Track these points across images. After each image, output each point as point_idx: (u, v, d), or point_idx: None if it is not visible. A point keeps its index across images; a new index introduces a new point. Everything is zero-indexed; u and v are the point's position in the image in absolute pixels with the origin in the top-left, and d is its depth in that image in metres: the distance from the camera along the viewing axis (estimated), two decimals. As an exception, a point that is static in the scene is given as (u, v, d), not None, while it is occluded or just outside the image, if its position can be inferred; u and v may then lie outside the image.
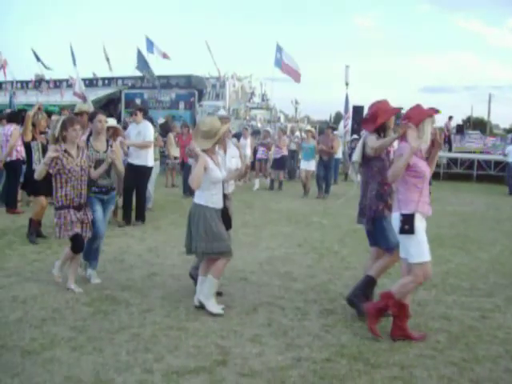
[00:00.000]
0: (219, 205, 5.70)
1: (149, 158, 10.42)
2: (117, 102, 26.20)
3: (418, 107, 5.11)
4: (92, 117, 6.64)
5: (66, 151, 5.95)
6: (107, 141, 6.68)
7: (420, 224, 4.95)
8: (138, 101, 24.87)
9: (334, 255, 8.29)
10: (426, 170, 5.01)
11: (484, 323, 5.54)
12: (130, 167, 10.14)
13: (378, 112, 5.59)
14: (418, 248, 4.93)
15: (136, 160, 10.24)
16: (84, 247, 6.26)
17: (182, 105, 23.99)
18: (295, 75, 22.95)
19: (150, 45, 26.33)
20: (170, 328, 5.11)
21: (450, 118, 26.08)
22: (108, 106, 25.77)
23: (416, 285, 5.09)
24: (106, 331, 4.99)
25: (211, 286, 5.60)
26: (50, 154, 5.87)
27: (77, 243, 6.10)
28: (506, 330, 5.35)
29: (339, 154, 20.73)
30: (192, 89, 24.33)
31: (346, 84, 22.37)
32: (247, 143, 18.82)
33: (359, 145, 5.73)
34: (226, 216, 5.85)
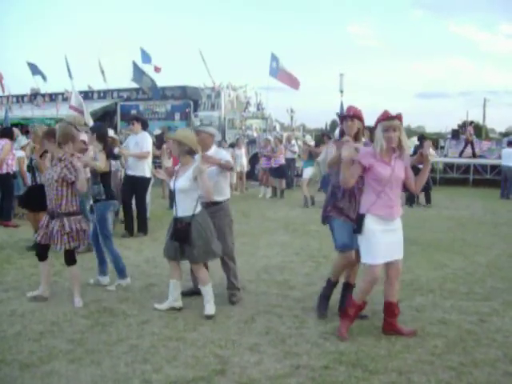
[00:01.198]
0: (174, 213, 5.98)
1: (146, 169, 10.42)
2: (113, 114, 26.22)
3: (381, 114, 5.19)
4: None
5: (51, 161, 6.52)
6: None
7: (375, 226, 5.06)
8: (133, 112, 24.91)
9: (332, 263, 8.27)
10: (385, 174, 5.05)
11: (482, 327, 5.54)
12: (127, 178, 10.33)
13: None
14: (366, 249, 5.13)
15: (134, 171, 10.28)
16: (42, 256, 6.34)
17: (177, 116, 24.02)
18: (294, 83, 22.98)
19: (145, 56, 26.41)
20: (168, 339, 5.12)
21: (471, 123, 26.08)
22: (104, 118, 25.78)
23: (365, 284, 5.26)
24: (104, 343, 5.00)
25: (208, 293, 5.96)
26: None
27: (38, 250, 6.38)
28: (505, 334, 5.36)
29: None
30: (187, 99, 24.36)
31: (341, 92, 22.42)
32: (242, 153, 18.89)
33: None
34: (176, 228, 5.91)
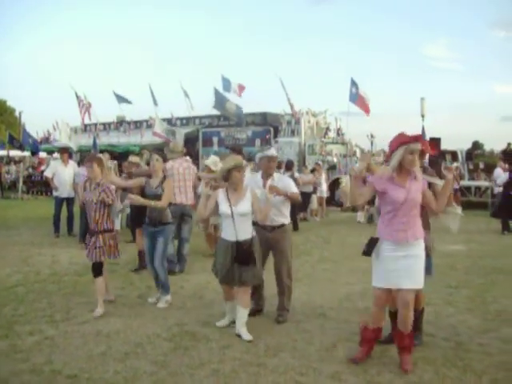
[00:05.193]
0: (231, 237, 5.95)
1: None
2: (195, 140, 26.80)
3: (400, 135, 5.05)
4: (150, 158, 7.40)
5: (89, 184, 6.99)
6: (164, 177, 7.33)
7: (384, 251, 5.10)
8: (215, 139, 25.38)
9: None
10: (399, 198, 4.93)
11: None
12: None
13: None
14: (374, 272, 5.22)
15: None
16: (99, 273, 6.83)
17: (258, 142, 24.28)
18: (365, 107, 22.96)
19: (227, 83, 26.95)
20: (249, 364, 5.13)
21: None
22: (186, 144, 26.39)
23: (372, 307, 5.34)
24: (187, 366, 5.06)
25: (243, 316, 6.01)
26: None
27: (94, 267, 6.87)
28: None
29: None
30: (267, 126, 24.61)
31: (422, 116, 22.07)
32: (322, 178, 18.85)
33: None
34: (241, 250, 5.91)
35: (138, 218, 8.78)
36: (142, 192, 7.35)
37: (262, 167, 6.63)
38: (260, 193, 6.26)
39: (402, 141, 4.96)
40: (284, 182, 6.61)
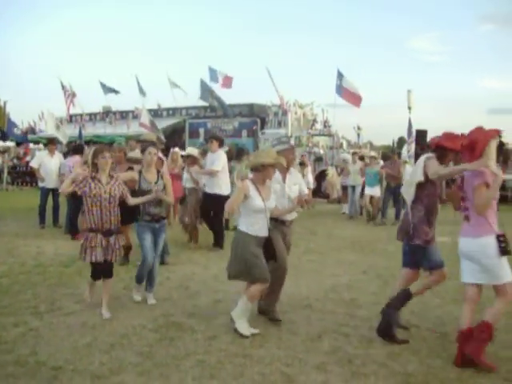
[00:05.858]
0: (261, 233, 5.77)
1: (222, 186, 10.59)
2: (181, 131, 26.71)
3: (480, 130, 5.00)
4: (143, 150, 6.92)
5: (95, 177, 6.16)
6: (158, 172, 6.91)
7: None
8: (201, 130, 25.32)
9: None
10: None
11: (558, 353, 5.32)
12: (205, 196, 10.74)
13: (449, 137, 5.49)
14: (506, 267, 4.95)
15: (209, 189, 10.58)
16: (100, 275, 6.43)
17: (244, 133, 24.27)
18: (354, 100, 22.92)
19: (214, 74, 26.85)
20: (235, 355, 5.13)
21: None
22: (173, 135, 26.31)
23: (505, 305, 5.05)
24: (172, 357, 5.06)
25: (243, 306, 5.79)
26: (78, 169, 6.30)
27: (95, 270, 6.40)
28: None
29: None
30: (254, 117, 24.57)
31: (409, 108, 22.11)
32: (308, 170, 18.85)
33: (420, 165, 5.60)
34: (269, 246, 5.84)
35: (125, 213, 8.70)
36: (134, 187, 6.90)
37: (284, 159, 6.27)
38: (280, 188, 6.20)
39: (491, 134, 4.89)
40: (297, 178, 6.55)
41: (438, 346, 5.47)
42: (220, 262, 9.36)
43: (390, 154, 17.80)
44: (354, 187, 16.76)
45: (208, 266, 9.06)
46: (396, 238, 6.03)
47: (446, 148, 5.46)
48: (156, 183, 6.75)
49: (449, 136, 5.50)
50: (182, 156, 12.79)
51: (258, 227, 5.75)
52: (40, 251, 10.11)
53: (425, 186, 5.54)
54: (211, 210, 10.68)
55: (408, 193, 5.67)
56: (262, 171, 5.78)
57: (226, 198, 10.75)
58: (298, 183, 6.49)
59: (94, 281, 6.55)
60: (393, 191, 15.44)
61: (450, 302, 7.04)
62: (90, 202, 6.12)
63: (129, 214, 8.30)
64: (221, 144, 11.08)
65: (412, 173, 5.80)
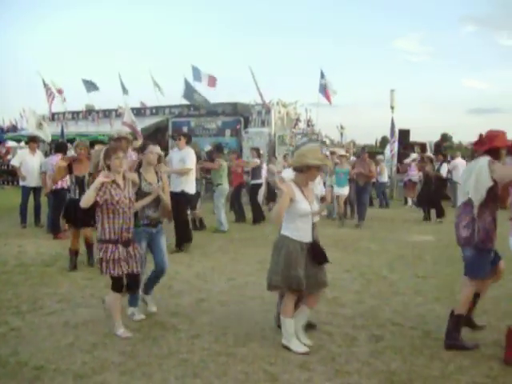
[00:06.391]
0: (306, 238, 5.35)
1: (189, 184, 10.33)
2: (164, 130, 26.60)
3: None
4: (143, 148, 6.39)
5: (113, 181, 5.54)
6: (156, 172, 6.40)
7: None
8: (184, 129, 25.20)
9: (383, 280, 8.20)
10: None
11: (539, 350, 5.37)
12: (171, 195, 10.08)
13: (496, 136, 5.47)
14: None
15: (175, 187, 10.07)
16: (123, 287, 5.75)
17: (228, 132, 24.18)
18: (328, 96, 23.32)
19: (197, 73, 26.78)
20: (218, 354, 5.12)
21: None
22: (156, 134, 26.17)
23: None
24: (155, 356, 5.04)
25: (285, 326, 5.32)
26: (101, 178, 5.42)
27: (119, 283, 5.67)
28: None
29: (385, 178, 20.60)
30: (238, 116, 24.53)
31: (392, 108, 22.28)
32: (290, 169, 18.91)
33: (484, 169, 5.29)
34: (318, 250, 5.42)
35: (75, 215, 8.32)
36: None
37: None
38: (312, 187, 5.90)
39: None
40: (318, 176, 6.39)
41: (420, 343, 5.49)
42: (203, 260, 9.37)
43: (360, 151, 17.86)
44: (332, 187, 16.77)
45: (191, 265, 9.04)
46: (459, 244, 5.56)
47: (498, 148, 5.43)
48: (157, 184, 6.26)
49: (496, 135, 5.47)
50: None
51: (303, 232, 5.34)
52: (21, 250, 10.03)
53: (491, 191, 5.39)
54: (175, 209, 10.01)
55: (477, 199, 5.32)
56: (306, 172, 5.35)
57: (192, 196, 10.63)
58: (315, 184, 6.34)
59: (118, 293, 5.71)
60: (358, 189, 15.02)
61: (432, 300, 7.08)
62: (110, 210, 5.49)
63: (91, 216, 8.23)
64: (189, 141, 10.80)
65: (476, 180, 5.31)
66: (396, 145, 22.29)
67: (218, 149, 14.47)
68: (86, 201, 5.44)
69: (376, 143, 68.60)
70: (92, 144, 11.68)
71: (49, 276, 8.07)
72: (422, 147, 23.30)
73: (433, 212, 15.94)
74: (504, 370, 4.84)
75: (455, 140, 60.41)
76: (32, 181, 13.12)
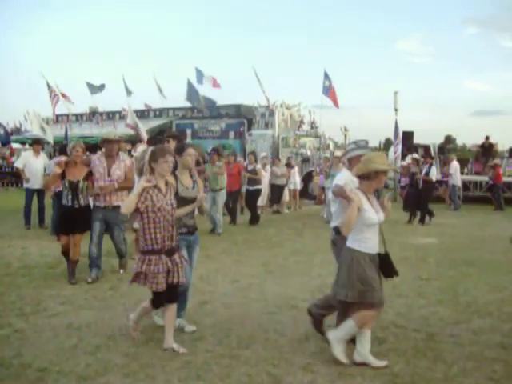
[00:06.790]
0: (374, 250, 5.09)
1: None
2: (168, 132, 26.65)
3: None
4: (181, 149, 5.87)
5: (155, 186, 5.17)
6: (191, 176, 5.98)
7: None
8: (188, 131, 25.23)
9: (385, 283, 8.14)
10: None
11: (543, 353, 5.36)
12: None
13: None
14: None
15: None
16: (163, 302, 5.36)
17: (231, 134, 24.21)
18: (335, 99, 23.23)
19: (200, 76, 26.82)
20: (221, 356, 5.12)
21: None
22: (160, 136, 26.23)
23: None
24: (158, 358, 5.04)
25: (349, 331, 5.05)
26: (143, 183, 5.09)
27: (161, 298, 5.28)
28: None
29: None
30: (241, 118, 24.54)
31: (395, 110, 22.24)
32: (295, 171, 18.93)
33: None
34: (387, 262, 5.17)
35: (66, 222, 8.07)
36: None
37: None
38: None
39: None
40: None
41: (423, 346, 5.48)
42: (207, 262, 9.36)
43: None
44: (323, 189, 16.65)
45: (195, 267, 9.01)
46: None
47: None
48: (193, 188, 5.83)
49: None
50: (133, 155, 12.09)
51: (370, 244, 5.06)
52: (25, 252, 10.05)
53: None
54: None
55: None
56: (373, 179, 5.04)
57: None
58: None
59: (155, 309, 5.54)
60: None
61: (436, 302, 7.07)
62: (151, 218, 5.12)
63: (86, 221, 8.09)
64: (180, 141, 9.89)
65: None
66: (400, 147, 22.25)
67: (216, 151, 13.93)
68: (127, 207, 5.15)
69: (380, 145, 68.48)
70: (95, 147, 11.59)
71: (52, 278, 8.08)
72: (426, 149, 23.25)
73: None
74: (507, 373, 4.83)
75: (459, 142, 60.29)
76: (36, 183, 13.15)
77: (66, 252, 8.09)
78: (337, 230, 5.42)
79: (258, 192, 15.71)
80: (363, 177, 5.07)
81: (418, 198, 15.49)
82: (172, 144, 9.45)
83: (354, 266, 4.94)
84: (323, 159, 18.39)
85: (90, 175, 8.02)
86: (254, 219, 14.91)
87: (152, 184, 5.13)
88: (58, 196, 11.69)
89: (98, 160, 8.12)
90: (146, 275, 5.13)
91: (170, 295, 5.29)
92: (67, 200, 7.97)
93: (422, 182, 15.62)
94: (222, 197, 13.43)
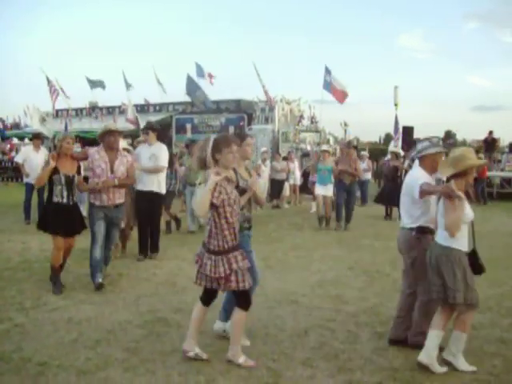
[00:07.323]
0: (468, 247, 4.91)
1: (161, 184, 9.41)
2: (168, 127, 26.61)
3: None
4: (242, 139, 5.45)
5: (226, 177, 4.77)
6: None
7: None
8: (188, 126, 25.21)
9: (386, 278, 8.20)
10: None
11: (542, 347, 5.37)
12: (140, 195, 9.32)
13: None
14: None
15: (144, 186, 9.20)
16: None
17: (231, 129, 24.19)
18: (339, 95, 23.06)
19: (200, 70, 26.80)
20: (221, 350, 5.12)
21: None
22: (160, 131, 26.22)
23: None
24: (159, 353, 5.05)
25: (461, 342, 4.90)
26: (214, 177, 4.64)
27: (249, 299, 4.91)
28: None
29: (368, 176, 20.19)
30: (241, 113, 24.51)
31: (396, 105, 22.22)
32: (295, 166, 18.92)
33: None
34: (476, 258, 4.92)
35: (64, 222, 7.16)
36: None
37: (435, 164, 5.36)
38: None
39: None
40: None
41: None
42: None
43: (346, 146, 16.42)
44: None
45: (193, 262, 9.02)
46: None
47: None
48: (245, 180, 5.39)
49: None
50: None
51: (465, 241, 4.90)
52: (25, 247, 10.05)
53: None
54: (149, 211, 9.31)
55: None
56: (466, 175, 4.95)
57: (164, 196, 9.72)
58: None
59: (246, 311, 4.92)
60: (346, 190, 13.40)
61: (436, 297, 7.07)
62: (229, 212, 4.71)
63: (82, 220, 7.47)
64: (159, 136, 9.64)
65: None
66: (400, 142, 22.24)
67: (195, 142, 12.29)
68: (202, 208, 4.67)
69: (380, 140, 68.55)
70: (95, 142, 11.50)
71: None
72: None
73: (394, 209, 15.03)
74: (507, 368, 4.85)
75: (459, 137, 60.29)
76: (36, 177, 13.13)
77: (59, 260, 7.23)
78: (419, 230, 5.27)
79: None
80: (459, 175, 4.91)
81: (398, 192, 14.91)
82: (152, 135, 9.30)
83: (457, 265, 4.77)
84: (315, 154, 18.24)
85: (79, 169, 7.29)
86: None
87: (223, 177, 4.70)
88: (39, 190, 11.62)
89: (97, 154, 7.32)
90: (243, 274, 4.72)
91: (248, 300, 4.92)
92: (62, 197, 7.05)
93: (405, 175, 15.14)
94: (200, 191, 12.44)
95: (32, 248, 9.95)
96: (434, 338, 4.84)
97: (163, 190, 9.50)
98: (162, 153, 9.31)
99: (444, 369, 4.78)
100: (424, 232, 5.22)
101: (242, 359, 4.80)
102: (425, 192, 5.12)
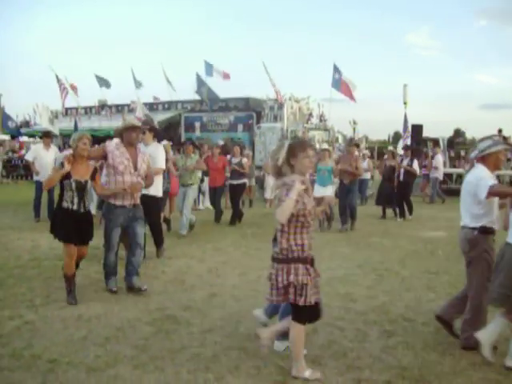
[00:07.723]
0: None
1: (159, 186, 9.07)
2: (177, 125, 26.67)
3: None
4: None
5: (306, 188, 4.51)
6: None
7: None
8: (197, 124, 25.27)
9: (395, 276, 8.18)
10: None
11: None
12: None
13: None
14: None
15: (143, 190, 7.76)
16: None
17: (240, 127, 24.23)
18: (350, 94, 23.03)
19: (209, 68, 26.84)
20: (230, 348, 5.14)
21: None
22: (168, 129, 26.25)
23: None
24: (168, 350, 5.06)
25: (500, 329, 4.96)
26: (299, 186, 4.34)
27: (317, 312, 4.76)
28: None
29: (368, 175, 20.11)
30: (250, 111, 24.54)
31: (405, 103, 22.13)
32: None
33: None
34: None
35: (75, 231, 6.64)
36: None
37: (498, 162, 5.37)
38: None
39: None
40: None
41: (432, 339, 5.48)
42: (216, 255, 9.39)
43: (347, 144, 16.02)
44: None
45: (204, 260, 9.06)
46: None
47: None
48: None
49: None
50: None
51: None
52: (35, 245, 10.10)
53: None
54: (148, 215, 8.13)
55: None
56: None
57: (160, 199, 9.49)
58: None
59: (303, 325, 4.69)
60: (347, 189, 13.16)
61: (445, 296, 7.04)
62: (301, 222, 4.52)
63: (93, 229, 6.90)
64: (156, 135, 9.39)
65: None
66: (409, 140, 22.17)
67: (191, 142, 12.54)
68: (285, 215, 4.34)
69: (389, 138, 68.39)
70: (103, 140, 11.47)
71: (62, 270, 8.11)
72: (435, 143, 23.17)
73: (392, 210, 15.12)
74: (517, 367, 4.82)
75: (468, 136, 60.07)
76: (45, 175, 13.13)
77: (72, 269, 6.78)
78: (482, 230, 5.19)
79: (243, 186, 14.51)
80: None
81: (397, 192, 14.87)
82: (148, 135, 8.94)
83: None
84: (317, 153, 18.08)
85: (95, 173, 6.79)
86: (236, 217, 13.64)
87: (305, 186, 4.48)
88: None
89: (116, 150, 6.88)
90: (295, 287, 4.46)
91: (314, 315, 4.73)
92: (72, 203, 6.56)
93: (403, 174, 14.95)
94: (193, 192, 11.84)
95: (42, 246, 10.00)
96: (500, 323, 4.84)
97: (160, 193, 9.24)
98: (159, 154, 8.97)
99: (492, 359, 4.79)
100: (487, 232, 5.18)
101: (307, 373, 4.55)
102: (496, 193, 5.03)
